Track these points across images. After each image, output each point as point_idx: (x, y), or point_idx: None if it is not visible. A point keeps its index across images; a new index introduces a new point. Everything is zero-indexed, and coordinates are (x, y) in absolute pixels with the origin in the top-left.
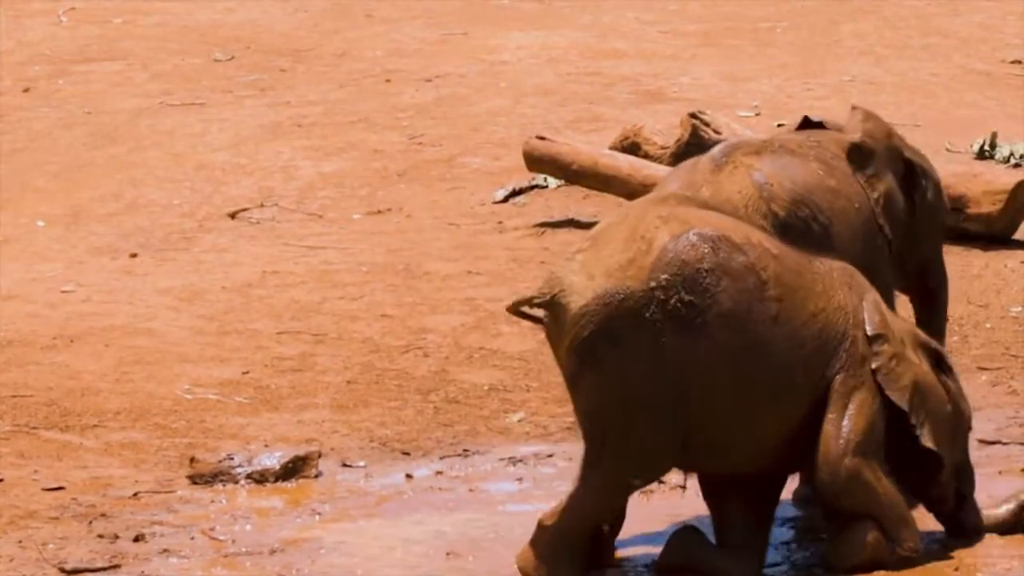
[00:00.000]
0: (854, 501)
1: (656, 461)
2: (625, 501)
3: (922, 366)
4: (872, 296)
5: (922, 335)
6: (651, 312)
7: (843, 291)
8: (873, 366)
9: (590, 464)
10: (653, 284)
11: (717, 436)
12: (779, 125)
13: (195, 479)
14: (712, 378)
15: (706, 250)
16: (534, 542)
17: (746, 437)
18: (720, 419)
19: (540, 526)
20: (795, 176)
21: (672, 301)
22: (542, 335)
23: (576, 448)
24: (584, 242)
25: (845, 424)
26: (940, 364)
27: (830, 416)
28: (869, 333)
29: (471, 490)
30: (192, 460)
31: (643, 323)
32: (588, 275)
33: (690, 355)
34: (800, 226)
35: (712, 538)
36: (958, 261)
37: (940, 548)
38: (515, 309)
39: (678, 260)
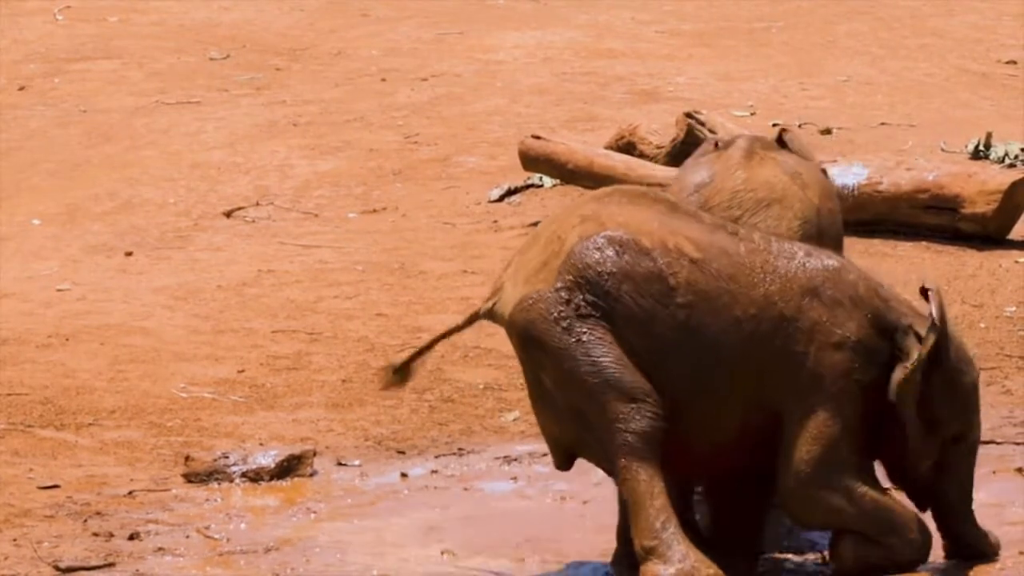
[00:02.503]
0: (827, 525)
1: (638, 425)
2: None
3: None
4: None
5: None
6: (559, 312)
7: (796, 300)
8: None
9: (606, 452)
10: (559, 285)
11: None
12: (774, 125)
13: (190, 477)
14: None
15: (610, 253)
16: (649, 559)
17: (681, 438)
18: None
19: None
20: (816, 173)
21: (576, 301)
22: None
23: None
24: (525, 240)
25: (800, 451)
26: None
27: (784, 443)
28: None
29: (466, 489)
30: (187, 458)
31: (555, 323)
32: (514, 281)
33: (608, 342)
34: (829, 218)
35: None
36: (953, 261)
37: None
38: (469, 324)
39: (581, 262)
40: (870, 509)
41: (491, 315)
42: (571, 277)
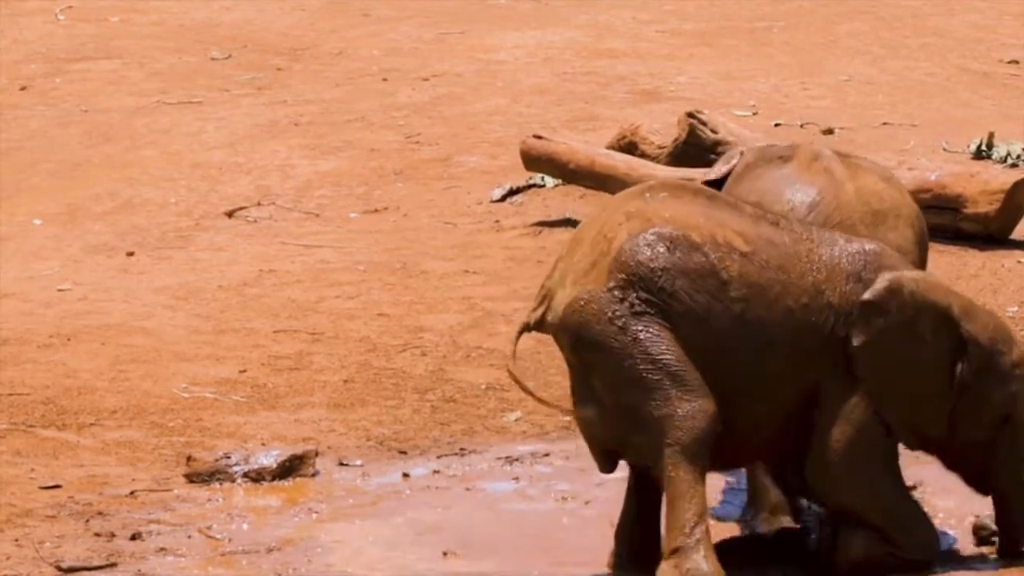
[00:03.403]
0: (847, 506)
1: (692, 424)
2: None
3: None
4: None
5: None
6: (614, 312)
7: (841, 286)
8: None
9: (654, 451)
10: (612, 284)
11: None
12: (776, 125)
13: (192, 478)
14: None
15: (661, 249)
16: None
17: (731, 430)
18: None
19: (676, 550)
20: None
21: (630, 300)
22: (539, 334)
23: (573, 447)
24: (566, 245)
25: (835, 431)
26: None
27: (820, 421)
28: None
29: (468, 489)
30: (189, 459)
31: (610, 323)
32: (562, 285)
33: (665, 339)
34: (921, 219)
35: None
36: (955, 261)
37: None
38: (519, 338)
39: (633, 260)
40: (888, 500)
41: (540, 324)
42: (623, 275)
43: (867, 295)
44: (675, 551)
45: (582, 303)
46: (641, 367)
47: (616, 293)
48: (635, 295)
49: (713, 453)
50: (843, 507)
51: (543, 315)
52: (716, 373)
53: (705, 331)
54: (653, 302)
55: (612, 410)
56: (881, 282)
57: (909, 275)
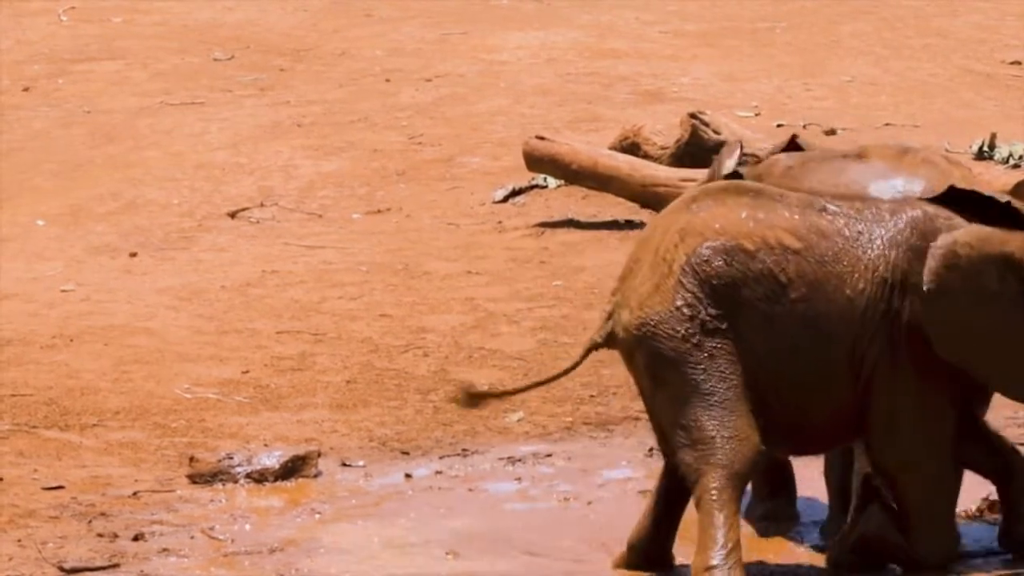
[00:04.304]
0: (896, 468)
1: (750, 450)
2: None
3: None
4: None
5: None
6: (686, 330)
7: (891, 257)
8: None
9: (697, 472)
10: (679, 303)
11: (780, 424)
12: (779, 125)
13: (194, 478)
14: (757, 378)
15: (719, 263)
16: None
17: (805, 425)
18: (778, 411)
19: (708, 568)
20: None
21: (700, 316)
22: (541, 335)
23: (575, 447)
24: (625, 266)
25: (894, 394)
26: None
27: (875, 387)
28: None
29: (470, 490)
30: (191, 459)
31: (684, 341)
32: (628, 308)
33: (735, 356)
34: None
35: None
36: None
37: None
38: (585, 357)
39: (695, 279)
40: (933, 481)
41: (609, 339)
42: (690, 294)
43: (927, 281)
44: (708, 569)
45: (653, 323)
46: (710, 385)
47: (685, 311)
48: (704, 312)
49: (789, 447)
50: (893, 470)
51: (612, 330)
52: (785, 374)
53: (771, 336)
54: (721, 317)
55: (669, 427)
56: (933, 260)
57: (960, 236)
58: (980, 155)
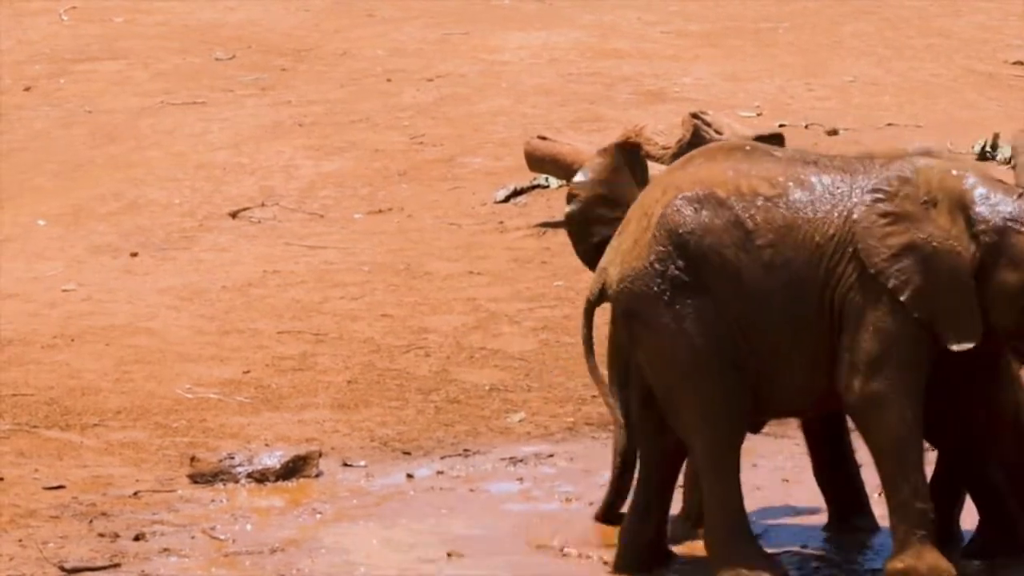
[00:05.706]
0: (881, 442)
1: (731, 413)
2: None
3: None
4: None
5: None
6: (659, 286)
7: (864, 200)
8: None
9: (688, 440)
10: (652, 258)
11: (764, 378)
12: (781, 126)
13: (196, 478)
14: (732, 329)
15: (688, 212)
16: (712, 556)
17: (790, 376)
18: (757, 365)
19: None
20: None
21: (670, 271)
22: (543, 335)
23: (577, 448)
24: (621, 224)
25: (863, 348)
26: None
27: (847, 342)
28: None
29: (472, 490)
30: (193, 459)
31: (655, 297)
32: (613, 264)
33: (707, 313)
34: None
35: None
36: None
37: None
38: (588, 319)
39: (665, 230)
40: (901, 418)
41: (601, 295)
42: (660, 247)
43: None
44: (716, 557)
45: (630, 280)
46: (682, 346)
47: (657, 267)
48: (673, 265)
49: (768, 405)
50: (882, 445)
51: (602, 286)
52: (757, 324)
53: (739, 286)
54: (690, 268)
55: (655, 388)
56: (889, 171)
57: (922, 164)
58: (983, 155)
